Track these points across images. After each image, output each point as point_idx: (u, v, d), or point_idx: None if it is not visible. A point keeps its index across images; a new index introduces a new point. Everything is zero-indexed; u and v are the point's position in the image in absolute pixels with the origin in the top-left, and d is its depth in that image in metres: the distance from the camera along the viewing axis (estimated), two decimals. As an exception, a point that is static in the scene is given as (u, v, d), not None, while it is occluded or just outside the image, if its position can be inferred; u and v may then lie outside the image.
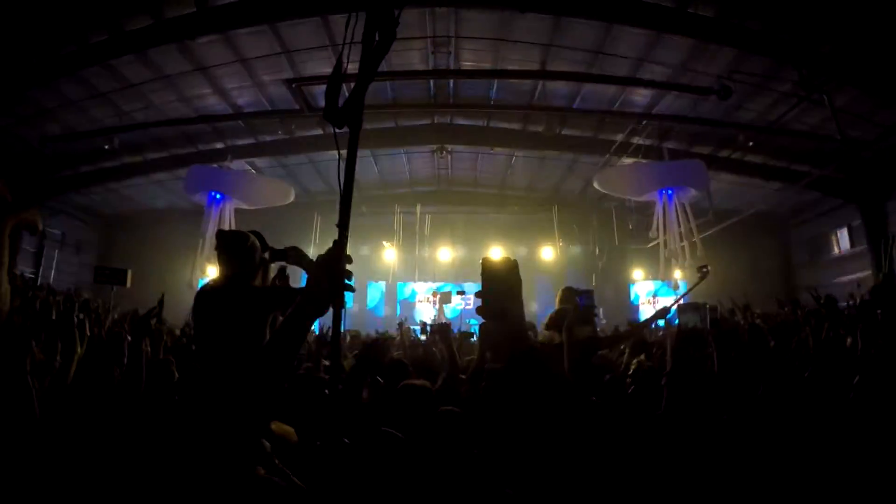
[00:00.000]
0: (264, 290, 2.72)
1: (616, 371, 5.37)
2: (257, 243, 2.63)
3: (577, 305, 4.74)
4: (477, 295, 1.92)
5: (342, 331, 1.81)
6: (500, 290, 1.90)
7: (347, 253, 1.68)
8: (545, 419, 2.15)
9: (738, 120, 14.72)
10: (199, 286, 2.66)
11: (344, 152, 1.81)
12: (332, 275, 1.65)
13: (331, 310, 1.70)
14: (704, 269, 5.59)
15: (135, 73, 12.70)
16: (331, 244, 1.69)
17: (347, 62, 1.86)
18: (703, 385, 2.99)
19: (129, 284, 11.62)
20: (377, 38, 1.89)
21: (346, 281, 1.67)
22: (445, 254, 22.82)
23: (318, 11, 10.97)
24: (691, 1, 10.46)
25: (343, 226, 1.72)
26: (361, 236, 22.38)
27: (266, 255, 2.86)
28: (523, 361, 2.05)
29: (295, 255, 2.74)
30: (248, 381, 1.66)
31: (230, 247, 2.62)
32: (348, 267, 1.68)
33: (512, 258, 1.99)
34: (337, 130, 1.83)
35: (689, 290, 5.72)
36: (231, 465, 1.71)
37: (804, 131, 14.55)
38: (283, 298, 2.54)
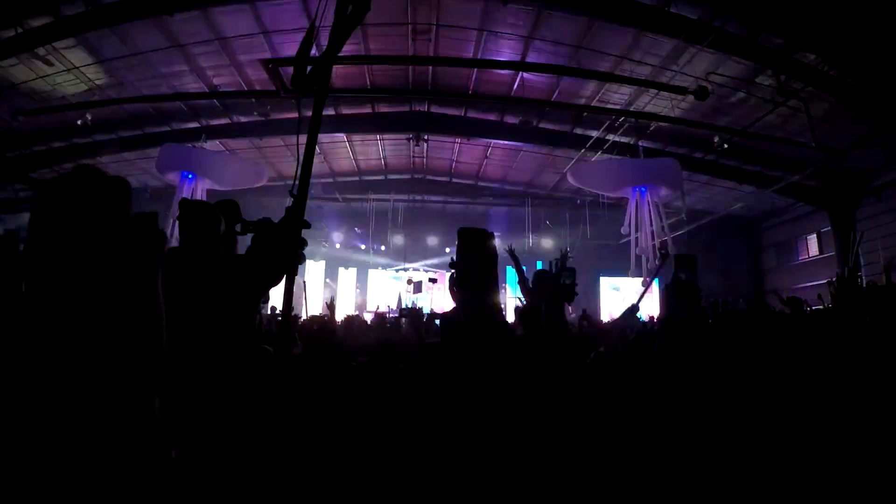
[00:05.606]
0: (223, 259, 2.68)
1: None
2: (220, 216, 2.59)
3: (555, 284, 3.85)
4: (451, 266, 1.83)
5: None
6: (475, 262, 1.83)
7: (304, 219, 1.64)
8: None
9: (714, 122, 14.85)
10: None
11: (304, 137, 1.77)
12: (286, 243, 1.61)
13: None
14: (664, 252, 5.60)
15: (110, 47, 12.41)
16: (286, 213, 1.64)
17: (318, 30, 1.83)
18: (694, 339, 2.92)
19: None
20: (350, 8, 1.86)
21: (300, 250, 1.63)
22: (419, 242, 22.88)
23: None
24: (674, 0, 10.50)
25: (301, 195, 1.67)
26: (334, 222, 22.34)
27: (238, 226, 2.82)
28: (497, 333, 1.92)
29: (264, 228, 2.70)
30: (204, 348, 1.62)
31: (192, 217, 2.59)
32: (304, 233, 1.64)
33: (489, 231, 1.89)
34: (303, 98, 1.80)
35: (654, 275, 5.71)
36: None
37: (779, 137, 14.72)
38: (239, 268, 2.49)
